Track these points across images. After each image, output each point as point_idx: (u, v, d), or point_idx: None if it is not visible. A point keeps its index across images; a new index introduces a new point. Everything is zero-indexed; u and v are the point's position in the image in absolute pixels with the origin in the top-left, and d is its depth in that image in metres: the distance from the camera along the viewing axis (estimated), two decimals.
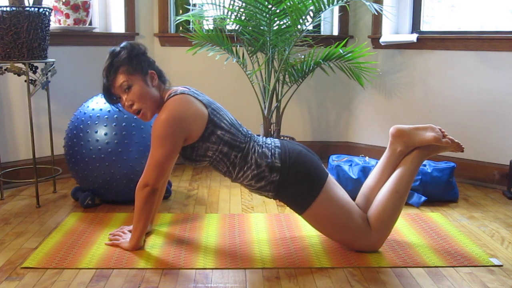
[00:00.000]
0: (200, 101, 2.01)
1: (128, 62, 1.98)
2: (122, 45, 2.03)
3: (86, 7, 3.19)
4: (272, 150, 2.04)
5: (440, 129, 2.09)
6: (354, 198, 2.18)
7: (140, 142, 2.49)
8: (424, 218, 2.50)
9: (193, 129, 1.97)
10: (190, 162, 2.06)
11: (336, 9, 3.56)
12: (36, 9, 2.52)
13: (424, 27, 3.41)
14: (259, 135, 2.14)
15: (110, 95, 2.03)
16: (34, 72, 2.67)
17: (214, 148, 2.00)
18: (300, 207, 2.04)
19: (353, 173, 2.76)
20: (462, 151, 2.11)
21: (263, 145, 2.06)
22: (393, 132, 2.12)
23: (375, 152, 3.40)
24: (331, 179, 2.08)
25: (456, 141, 2.09)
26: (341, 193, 2.06)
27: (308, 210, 2.01)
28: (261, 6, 2.85)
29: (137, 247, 2.07)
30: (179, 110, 1.95)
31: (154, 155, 1.95)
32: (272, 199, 2.12)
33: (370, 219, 2.04)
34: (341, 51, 2.99)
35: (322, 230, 2.09)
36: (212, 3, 3.12)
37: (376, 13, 3.04)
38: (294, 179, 2.00)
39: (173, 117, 1.93)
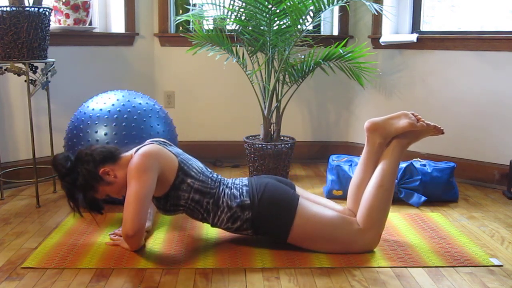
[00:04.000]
0: (170, 151, 2.04)
1: (81, 186, 1.99)
2: (60, 177, 2.02)
3: (86, 7, 3.19)
4: (240, 190, 2.05)
5: (413, 114, 2.09)
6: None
7: (140, 142, 2.47)
8: (424, 218, 2.50)
9: (165, 170, 1.98)
10: (165, 212, 2.08)
11: (336, 9, 3.56)
12: (36, 9, 2.52)
13: (424, 27, 3.41)
14: (230, 178, 2.17)
15: (98, 207, 2.07)
16: (34, 72, 2.67)
17: (185, 196, 2.02)
18: (281, 236, 2.04)
19: (353, 173, 2.76)
20: (443, 133, 2.11)
21: (232, 187, 2.08)
22: (368, 126, 2.13)
23: None
24: (304, 200, 2.07)
25: (432, 124, 2.08)
26: (317, 209, 2.05)
27: (290, 236, 2.02)
28: (261, 6, 2.85)
29: (137, 247, 2.07)
30: (151, 149, 1.98)
31: (130, 192, 1.92)
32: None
33: (360, 219, 2.04)
34: (341, 51, 2.99)
35: (314, 249, 2.07)
36: (212, 3, 3.12)
37: (376, 13, 3.04)
38: (266, 212, 2.01)
39: (145, 154, 1.95)
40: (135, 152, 2.02)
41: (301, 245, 2.07)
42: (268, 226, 2.03)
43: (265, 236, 2.10)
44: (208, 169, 2.15)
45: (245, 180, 2.12)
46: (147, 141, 2.12)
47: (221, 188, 2.07)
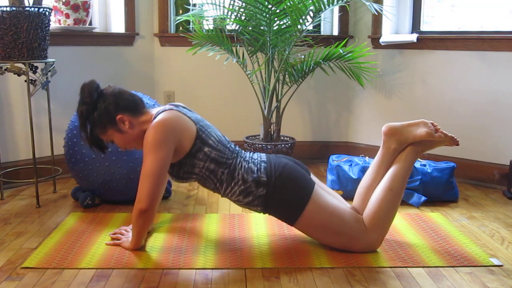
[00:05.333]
0: (189, 118, 2.03)
1: (94, 122, 1.98)
2: (78, 101, 2.00)
3: (86, 7, 3.19)
4: (258, 165, 2.04)
5: (432, 123, 2.09)
6: (353, 198, 2.18)
7: None
8: (424, 218, 2.50)
9: (183, 140, 1.97)
10: (177, 179, 2.07)
11: (336, 9, 3.56)
12: (36, 9, 2.52)
13: (424, 27, 3.41)
14: (247, 152, 2.15)
15: (101, 147, 2.06)
16: (34, 72, 2.67)
17: (200, 165, 2.01)
18: (290, 219, 2.04)
19: (353, 173, 2.76)
20: (458, 145, 2.10)
21: (250, 161, 2.07)
22: (386, 131, 2.12)
23: (375, 152, 3.36)
24: (319, 187, 2.07)
25: (449, 135, 2.08)
26: (330, 199, 2.05)
27: (298, 221, 2.02)
28: (261, 6, 2.85)
29: (138, 246, 2.07)
30: (169, 119, 1.96)
31: (146, 165, 1.93)
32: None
33: (366, 219, 2.04)
34: (341, 51, 2.99)
35: (317, 238, 2.09)
36: (212, 3, 3.13)
37: (376, 13, 3.04)
38: (280, 192, 2.00)
39: (164, 124, 1.93)
40: (155, 117, 1.99)
41: (306, 232, 2.07)
42: (280, 206, 2.03)
43: (272, 215, 2.09)
44: (226, 138, 2.13)
45: (263, 156, 2.10)
46: (167, 105, 2.09)
47: (238, 160, 2.05)
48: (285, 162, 2.08)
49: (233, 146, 2.12)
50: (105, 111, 1.97)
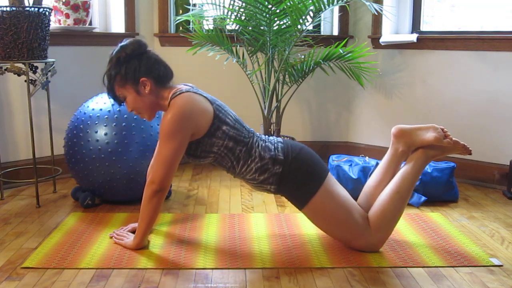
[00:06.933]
0: (205, 98, 2.03)
1: (119, 72, 1.99)
2: (121, 45, 2.02)
3: (86, 7, 3.19)
4: (275, 145, 2.08)
5: (442, 129, 2.09)
6: (354, 199, 2.18)
7: (140, 142, 2.49)
8: (424, 218, 2.50)
9: (200, 125, 1.98)
10: (194, 158, 2.07)
11: (336, 9, 3.56)
12: (36, 9, 2.52)
13: (424, 27, 3.41)
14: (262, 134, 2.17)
15: (116, 98, 2.07)
16: (34, 72, 2.67)
17: (219, 143, 2.02)
18: (300, 202, 2.05)
19: (353, 173, 2.76)
20: (470, 154, 2.10)
21: (266, 140, 2.10)
22: (395, 132, 2.13)
23: (375, 152, 3.40)
24: (332, 176, 2.10)
25: (461, 143, 2.08)
26: (341, 190, 2.07)
27: (308, 205, 2.02)
28: (261, 6, 2.85)
29: (141, 246, 2.07)
30: (186, 107, 1.96)
31: (161, 152, 1.96)
32: (272, 195, 2.12)
33: (370, 219, 2.04)
34: (341, 51, 2.99)
35: (322, 227, 2.10)
36: (212, 3, 3.13)
37: (376, 13, 3.04)
38: (295, 173, 2.02)
39: (180, 114, 1.94)
40: (171, 99, 1.99)
41: (313, 219, 2.08)
42: (293, 187, 2.04)
43: (284, 195, 2.11)
44: (241, 119, 2.15)
45: (280, 139, 2.14)
46: (183, 86, 2.07)
47: (255, 139, 2.08)
48: (302, 146, 2.12)
49: (248, 126, 2.13)
50: (134, 69, 2.00)
